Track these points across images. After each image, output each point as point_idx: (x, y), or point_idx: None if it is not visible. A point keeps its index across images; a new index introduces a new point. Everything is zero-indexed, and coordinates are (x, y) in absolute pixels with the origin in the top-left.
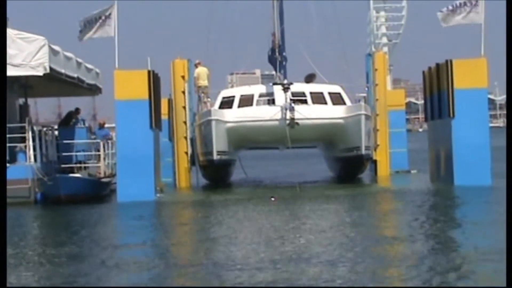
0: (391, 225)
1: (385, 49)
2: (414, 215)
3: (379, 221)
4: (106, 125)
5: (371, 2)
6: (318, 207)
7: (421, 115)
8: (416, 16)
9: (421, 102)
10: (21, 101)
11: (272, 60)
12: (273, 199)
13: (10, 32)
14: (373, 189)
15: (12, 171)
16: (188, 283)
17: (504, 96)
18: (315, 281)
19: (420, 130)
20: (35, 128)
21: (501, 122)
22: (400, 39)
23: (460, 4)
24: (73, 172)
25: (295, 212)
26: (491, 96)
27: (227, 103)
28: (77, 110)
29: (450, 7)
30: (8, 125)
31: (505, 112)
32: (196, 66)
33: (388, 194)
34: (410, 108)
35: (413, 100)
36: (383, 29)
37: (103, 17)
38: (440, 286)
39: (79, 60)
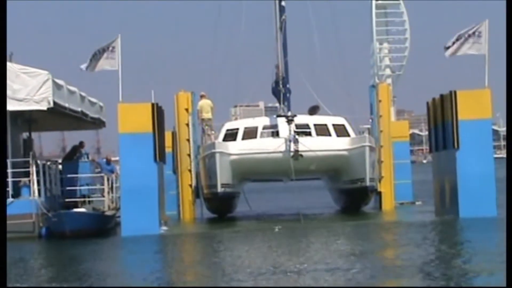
0: (394, 257)
1: (389, 80)
2: (420, 248)
3: (383, 253)
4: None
5: (374, 33)
6: (322, 239)
7: (425, 147)
8: (420, 47)
9: (425, 133)
10: (25, 135)
11: (275, 92)
12: (277, 229)
13: (14, 67)
14: (378, 221)
15: (16, 206)
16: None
17: None
18: None
19: (424, 161)
20: (39, 162)
21: (505, 153)
22: (403, 70)
23: (464, 35)
24: (77, 206)
25: (299, 244)
26: (495, 127)
27: (231, 136)
28: (81, 144)
29: (455, 39)
30: (12, 159)
31: None
32: (201, 98)
33: (393, 226)
34: (414, 139)
35: (416, 131)
36: (387, 61)
37: (107, 50)
38: (441, 286)
39: (83, 94)
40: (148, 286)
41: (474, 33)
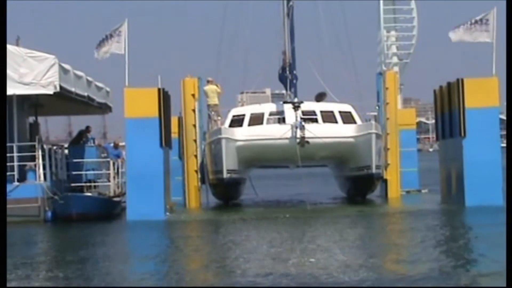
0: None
1: (396, 68)
2: (424, 237)
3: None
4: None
5: (382, 21)
6: (328, 227)
7: (431, 135)
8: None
9: (431, 121)
10: (31, 119)
11: (282, 78)
12: (285, 216)
13: (21, 51)
14: (383, 210)
15: (22, 190)
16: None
17: None
18: None
19: (431, 150)
20: (45, 146)
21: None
22: (410, 58)
23: (472, 22)
24: (82, 191)
25: (305, 231)
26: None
27: (237, 122)
28: (87, 129)
29: (462, 25)
30: (18, 143)
31: None
32: (207, 83)
33: (399, 214)
34: (420, 127)
35: (423, 119)
36: (394, 49)
37: (114, 35)
38: (441, 286)
39: (89, 78)
40: (148, 286)
41: (481, 20)
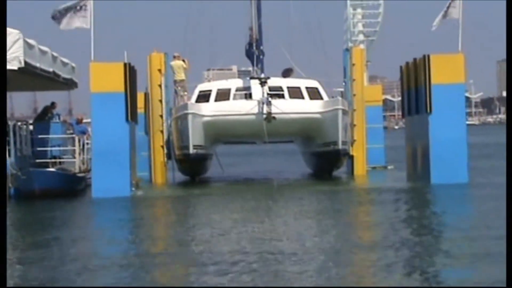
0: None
1: (362, 46)
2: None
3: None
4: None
5: None
6: (294, 204)
7: (397, 113)
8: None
9: (397, 99)
10: None
11: (249, 54)
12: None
13: None
14: (349, 187)
15: None
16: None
17: (480, 94)
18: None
19: (396, 127)
20: (9, 122)
21: (476, 120)
22: (376, 36)
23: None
24: (47, 167)
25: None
26: (467, 94)
27: (204, 97)
28: (53, 105)
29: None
30: None
31: (480, 110)
32: (174, 59)
33: (366, 192)
34: (386, 105)
35: (389, 97)
36: (360, 27)
37: (78, 8)
38: (440, 286)
39: (55, 54)
40: (144, 286)
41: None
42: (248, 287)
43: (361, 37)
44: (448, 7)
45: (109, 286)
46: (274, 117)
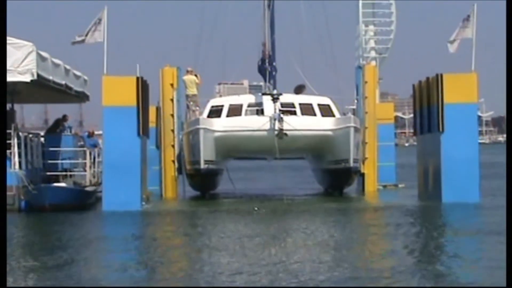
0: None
1: (373, 63)
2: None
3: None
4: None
5: (361, 15)
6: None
7: (407, 130)
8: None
9: (408, 116)
10: (7, 106)
11: (261, 70)
12: (256, 209)
13: None
14: (360, 205)
15: None
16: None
17: (491, 113)
18: None
19: (406, 144)
20: (21, 134)
21: (487, 139)
22: (388, 53)
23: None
24: (58, 180)
25: (281, 225)
26: (478, 113)
27: (215, 112)
28: (64, 117)
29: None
30: None
31: (491, 129)
32: (187, 73)
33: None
34: (397, 122)
35: (400, 114)
36: (372, 43)
37: (94, 24)
38: (440, 285)
39: (67, 67)
40: (146, 286)
41: (467, 18)
42: (252, 287)
43: (373, 54)
44: (462, 27)
45: (109, 286)
46: (285, 134)
